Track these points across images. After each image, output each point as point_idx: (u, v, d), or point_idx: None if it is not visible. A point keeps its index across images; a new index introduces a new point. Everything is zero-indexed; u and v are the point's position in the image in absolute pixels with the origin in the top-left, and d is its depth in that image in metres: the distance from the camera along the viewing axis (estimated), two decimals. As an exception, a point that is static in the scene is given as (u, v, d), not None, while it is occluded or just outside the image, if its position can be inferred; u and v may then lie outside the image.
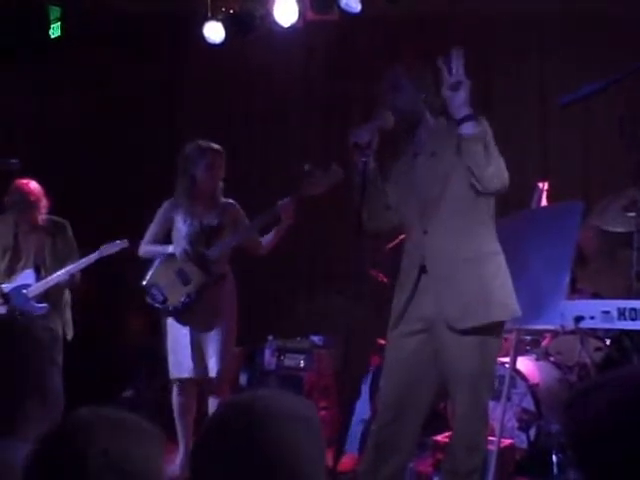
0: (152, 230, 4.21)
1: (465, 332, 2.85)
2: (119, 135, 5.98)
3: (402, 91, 2.96)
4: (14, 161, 3.84)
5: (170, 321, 4.13)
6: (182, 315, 4.05)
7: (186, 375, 4.08)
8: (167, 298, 4.05)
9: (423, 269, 2.94)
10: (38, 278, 4.42)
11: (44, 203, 4.47)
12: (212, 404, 4.11)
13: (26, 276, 4.44)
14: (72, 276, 4.43)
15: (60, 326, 4.47)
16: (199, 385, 4.18)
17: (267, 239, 4.18)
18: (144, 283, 4.13)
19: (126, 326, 5.79)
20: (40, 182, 4.49)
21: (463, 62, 2.77)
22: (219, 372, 4.02)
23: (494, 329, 2.93)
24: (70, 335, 4.52)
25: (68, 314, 4.55)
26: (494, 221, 3.00)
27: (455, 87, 2.77)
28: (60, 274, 4.39)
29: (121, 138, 5.97)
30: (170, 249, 4.10)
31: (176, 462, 4.21)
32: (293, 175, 5.34)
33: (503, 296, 2.94)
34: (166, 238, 4.21)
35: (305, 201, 3.98)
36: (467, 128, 2.78)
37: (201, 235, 4.04)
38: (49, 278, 4.41)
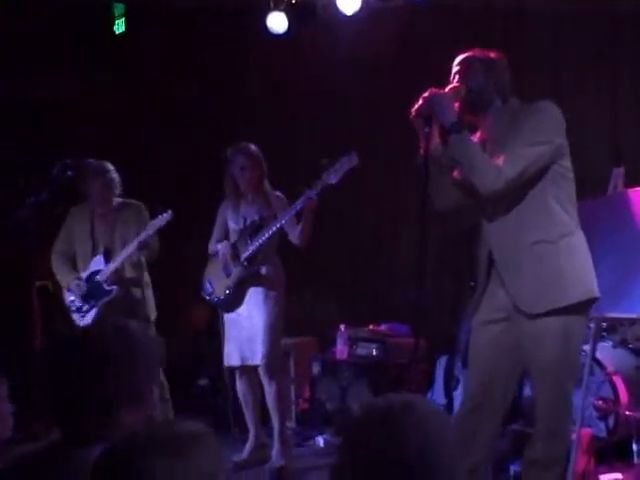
0: (215, 231, 4.45)
1: (543, 317, 2.78)
2: (182, 127, 6.07)
3: (473, 75, 2.92)
4: None
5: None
6: (227, 306, 4.27)
7: (234, 363, 4.28)
8: (214, 290, 4.30)
9: (491, 260, 2.92)
10: (107, 262, 4.39)
11: (117, 183, 4.47)
12: (266, 388, 4.23)
13: (97, 262, 4.43)
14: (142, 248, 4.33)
15: (142, 306, 4.48)
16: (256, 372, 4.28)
17: (296, 231, 4.20)
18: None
19: (192, 315, 5.87)
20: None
21: None
22: (263, 357, 4.16)
23: (574, 312, 2.80)
24: (153, 316, 4.53)
25: (149, 294, 4.56)
26: (567, 203, 2.87)
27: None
28: (122, 255, 4.34)
29: (183, 130, 6.06)
30: (219, 246, 4.33)
31: (245, 447, 4.38)
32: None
33: (578, 276, 2.82)
34: (227, 235, 4.41)
35: (326, 191, 4.02)
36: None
37: (244, 232, 4.24)
38: (114, 259, 4.36)
